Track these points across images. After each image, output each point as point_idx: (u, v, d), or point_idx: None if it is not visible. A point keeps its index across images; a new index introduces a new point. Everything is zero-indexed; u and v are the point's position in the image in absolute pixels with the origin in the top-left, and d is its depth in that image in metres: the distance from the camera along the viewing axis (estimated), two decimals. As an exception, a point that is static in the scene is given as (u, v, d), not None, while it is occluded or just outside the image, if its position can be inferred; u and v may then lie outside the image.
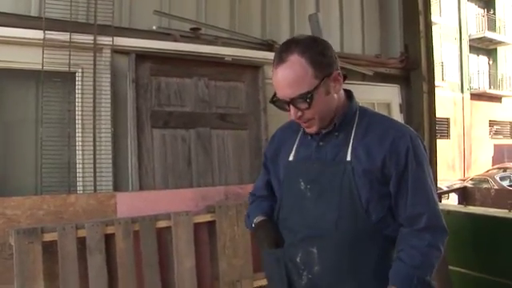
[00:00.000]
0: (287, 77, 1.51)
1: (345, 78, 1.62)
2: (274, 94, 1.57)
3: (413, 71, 5.17)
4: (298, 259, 1.61)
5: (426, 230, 1.55)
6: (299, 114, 1.55)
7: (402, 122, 5.08)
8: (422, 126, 5.05)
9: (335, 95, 1.59)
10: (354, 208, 1.56)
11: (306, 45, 1.53)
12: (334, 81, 1.56)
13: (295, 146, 1.70)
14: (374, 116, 1.68)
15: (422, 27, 5.12)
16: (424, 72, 5.12)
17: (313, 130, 1.61)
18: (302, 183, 1.64)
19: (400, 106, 5.12)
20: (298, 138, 1.70)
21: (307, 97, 1.51)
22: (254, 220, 1.77)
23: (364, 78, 4.97)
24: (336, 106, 1.60)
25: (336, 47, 4.86)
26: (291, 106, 1.54)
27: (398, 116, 5.09)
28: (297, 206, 1.66)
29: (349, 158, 1.57)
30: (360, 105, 1.69)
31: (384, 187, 1.57)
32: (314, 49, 1.53)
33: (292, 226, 1.67)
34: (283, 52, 1.52)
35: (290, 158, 1.70)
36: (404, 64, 5.15)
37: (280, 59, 1.52)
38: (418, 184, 1.55)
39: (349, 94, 1.69)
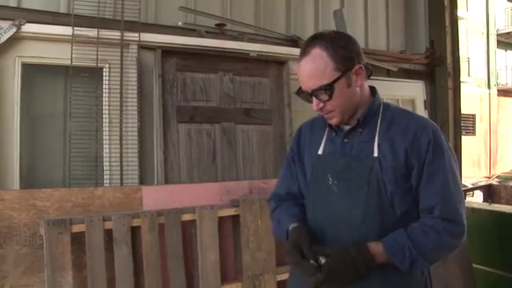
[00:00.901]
0: (308, 69, 1.58)
1: (370, 74, 1.65)
2: (300, 87, 1.62)
3: (438, 67, 5.12)
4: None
5: (441, 219, 1.56)
6: (321, 105, 1.60)
7: (427, 118, 5.06)
8: (447, 123, 5.01)
9: (357, 89, 1.61)
10: (381, 203, 1.58)
11: (329, 39, 1.58)
12: (355, 74, 1.59)
13: (323, 141, 1.72)
14: (397, 110, 1.70)
15: (447, 23, 5.07)
16: (449, 68, 5.07)
17: (334, 121, 1.64)
18: (330, 178, 1.66)
19: (425, 102, 5.07)
20: (326, 133, 1.72)
21: (327, 89, 1.55)
22: (290, 228, 1.70)
23: (388, 73, 4.95)
24: (358, 100, 1.63)
25: (360, 43, 4.79)
26: (313, 98, 1.59)
27: (422, 112, 5.04)
28: (324, 202, 1.67)
29: (376, 154, 1.60)
30: (384, 101, 1.71)
31: (407, 182, 1.59)
32: (337, 42, 1.57)
33: (319, 221, 1.68)
34: (307, 45, 1.59)
35: (319, 152, 1.72)
36: (429, 60, 5.11)
37: (303, 52, 1.59)
38: (435, 175, 1.57)
39: (373, 90, 1.71)
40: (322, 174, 1.69)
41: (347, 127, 1.67)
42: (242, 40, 3.87)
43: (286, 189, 1.85)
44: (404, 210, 1.60)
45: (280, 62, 3.92)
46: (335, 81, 1.55)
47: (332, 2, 4.72)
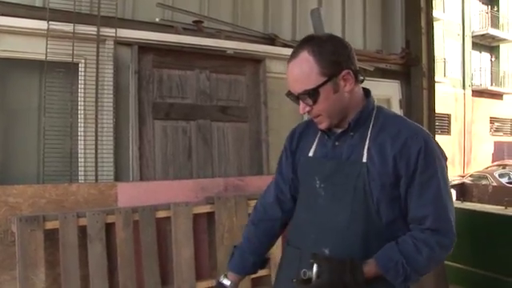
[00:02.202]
0: (295, 72, 1.56)
1: (363, 79, 1.64)
2: (289, 90, 1.61)
3: (413, 67, 5.19)
4: (311, 260, 1.53)
5: (431, 231, 1.53)
6: (307, 108, 1.59)
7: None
8: (422, 122, 5.07)
9: (346, 94, 1.58)
10: (367, 209, 1.57)
11: (318, 42, 1.56)
12: (343, 80, 1.56)
13: (315, 143, 1.72)
14: (389, 115, 1.68)
15: (423, 24, 5.14)
16: (424, 68, 5.14)
17: (322, 126, 1.63)
18: (318, 181, 1.65)
19: (400, 101, 5.15)
20: (318, 135, 1.72)
21: (312, 93, 1.54)
22: (221, 279, 1.82)
23: (365, 73, 4.96)
24: (348, 105, 1.61)
25: (337, 42, 4.90)
26: (300, 101, 1.58)
27: (397, 111, 5.11)
28: (311, 204, 1.68)
29: (364, 160, 1.58)
30: (378, 104, 1.69)
31: (395, 190, 1.57)
32: (326, 47, 1.55)
33: (305, 225, 1.69)
34: (297, 48, 1.58)
35: (310, 154, 1.72)
36: (405, 60, 5.17)
37: (293, 54, 1.58)
38: (426, 185, 1.54)
39: (367, 93, 1.69)
40: (310, 176, 1.69)
41: (339, 130, 1.65)
42: (219, 37, 3.87)
43: (277, 192, 1.85)
44: (390, 218, 1.58)
45: (257, 60, 3.94)
46: (320, 86, 1.53)
47: (310, 1, 4.73)
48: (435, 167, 1.55)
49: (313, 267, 1.48)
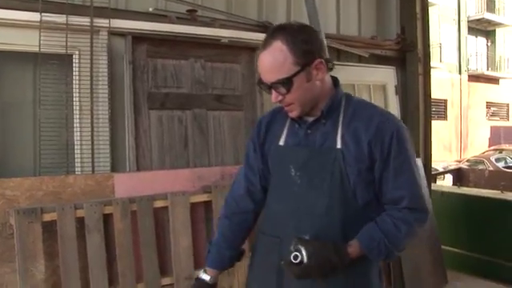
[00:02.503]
0: (268, 62, 1.58)
1: (332, 67, 1.68)
2: (260, 78, 1.63)
3: (409, 53, 5.17)
4: (291, 248, 1.58)
5: (408, 209, 1.62)
6: (279, 97, 1.62)
7: (398, 103, 5.14)
8: (418, 108, 5.09)
9: (317, 82, 1.62)
10: (344, 194, 1.63)
11: (291, 32, 1.58)
12: (316, 69, 1.60)
13: (285, 132, 1.74)
14: (359, 103, 1.73)
15: (418, 9, 5.11)
16: (420, 54, 5.12)
17: (294, 114, 1.66)
18: (293, 170, 1.68)
19: (395, 87, 5.14)
20: (287, 124, 1.74)
21: (286, 82, 1.57)
22: (200, 274, 1.85)
23: (360, 59, 4.98)
24: (319, 93, 1.65)
25: (332, 29, 4.90)
26: (272, 90, 1.60)
27: (393, 98, 5.13)
28: (287, 192, 1.70)
29: (339, 146, 1.63)
30: (346, 92, 1.75)
31: (370, 173, 1.63)
32: (298, 36, 1.58)
33: (283, 213, 1.71)
34: (269, 37, 1.59)
35: (281, 143, 1.74)
36: (400, 46, 5.15)
37: (265, 44, 1.59)
38: (401, 168, 1.62)
39: (335, 81, 1.73)
40: (284, 165, 1.71)
41: (310, 119, 1.68)
42: (213, 26, 3.85)
43: (247, 184, 1.86)
44: (366, 200, 1.65)
45: (251, 48, 3.92)
46: (294, 75, 1.57)
47: (304, -12, 4.72)
48: (407, 150, 1.64)
49: (301, 251, 1.53)
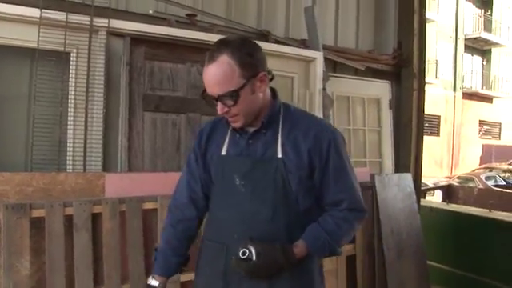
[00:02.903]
0: (216, 75, 1.64)
1: (271, 78, 1.76)
2: (204, 90, 1.70)
3: (404, 68, 5.23)
4: (240, 247, 1.66)
5: (348, 210, 1.77)
6: (225, 109, 1.69)
7: (391, 118, 5.18)
8: (411, 123, 5.13)
9: (260, 94, 1.71)
10: (288, 201, 1.74)
11: (236, 46, 1.65)
12: (260, 81, 1.68)
13: (226, 142, 1.81)
14: (297, 112, 1.84)
15: (416, 25, 5.17)
16: (415, 69, 5.18)
17: (237, 125, 1.74)
18: (237, 179, 1.76)
19: (390, 102, 5.19)
20: (228, 134, 1.82)
21: (233, 95, 1.64)
22: (149, 281, 1.89)
23: (356, 72, 5.03)
24: (261, 104, 1.73)
25: (330, 41, 4.94)
26: (218, 102, 1.67)
27: (387, 112, 5.17)
28: (232, 201, 1.77)
29: (280, 155, 1.73)
30: (283, 102, 1.84)
31: (310, 180, 1.75)
32: (243, 50, 1.66)
33: (228, 221, 1.78)
34: (214, 52, 1.65)
35: (223, 153, 1.81)
36: (396, 61, 5.20)
37: (211, 58, 1.65)
38: (339, 173, 1.76)
39: (274, 92, 1.82)
40: (227, 174, 1.79)
41: (251, 129, 1.77)
42: (211, 32, 3.87)
43: (190, 193, 1.92)
44: (307, 205, 1.77)
45: (249, 56, 3.94)
46: (241, 88, 1.64)
47: (304, -1, 4.76)
48: (344, 156, 1.78)
49: (251, 249, 1.62)
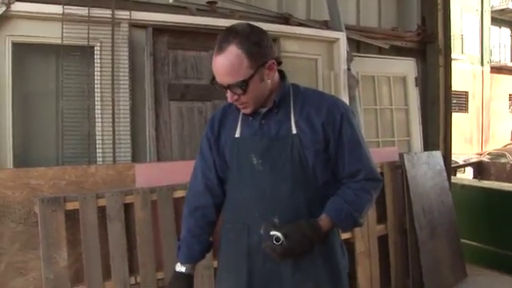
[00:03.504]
0: (225, 66, 1.65)
1: (279, 63, 1.77)
2: (213, 78, 1.71)
3: (429, 44, 5.14)
4: (261, 231, 1.70)
5: (365, 180, 1.80)
6: (235, 97, 1.71)
7: (418, 95, 5.10)
8: (438, 100, 5.06)
9: (269, 81, 1.73)
10: (305, 175, 1.76)
11: (243, 36, 1.66)
12: (268, 69, 1.70)
13: (239, 125, 1.83)
14: (307, 91, 1.87)
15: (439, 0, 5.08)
16: (441, 45, 5.10)
17: (247, 111, 1.77)
18: (254, 158, 1.78)
19: (415, 79, 5.11)
20: (240, 117, 1.83)
21: (242, 85, 1.66)
22: (176, 267, 1.91)
23: (380, 51, 4.96)
24: (270, 89, 1.76)
25: (352, 20, 4.88)
26: (228, 91, 1.70)
27: (413, 89, 5.10)
28: (251, 180, 1.80)
29: (294, 131, 1.76)
30: (292, 83, 1.85)
31: (326, 154, 1.77)
32: (251, 40, 1.66)
33: (248, 200, 1.80)
34: (222, 42, 1.66)
35: (237, 135, 1.83)
36: (421, 37, 5.12)
37: (219, 48, 1.66)
38: (353, 144, 1.79)
39: (282, 74, 1.83)
40: (244, 155, 1.81)
41: (263, 110, 1.79)
42: (233, 18, 3.86)
43: (205, 180, 1.93)
44: (325, 179, 1.80)
45: (272, 39, 3.92)
46: (250, 78, 1.65)
47: (324, -21, 4.70)
48: (356, 129, 1.81)
49: (277, 232, 1.63)
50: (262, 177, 1.77)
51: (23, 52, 3.21)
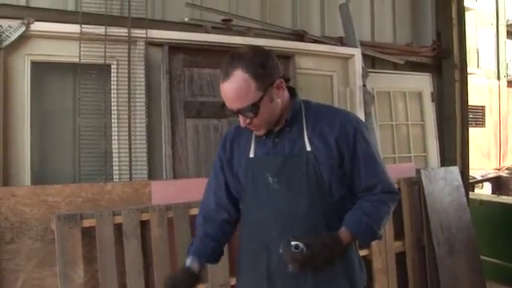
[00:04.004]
0: (233, 91, 1.66)
1: (287, 80, 1.78)
2: (223, 104, 1.72)
3: (445, 59, 5.13)
4: (280, 250, 1.66)
5: (382, 193, 1.80)
6: (247, 121, 1.71)
7: (434, 111, 5.07)
8: (454, 115, 5.02)
9: (279, 100, 1.73)
10: (322, 191, 1.76)
11: (248, 59, 1.67)
12: (277, 88, 1.71)
13: (252, 145, 1.83)
14: (318, 106, 1.88)
15: (454, 14, 5.08)
16: (456, 60, 5.08)
17: (261, 133, 1.78)
18: (270, 178, 1.78)
19: (431, 94, 5.09)
20: (253, 137, 1.84)
21: (253, 108, 1.66)
22: (187, 263, 1.88)
23: (395, 66, 4.96)
24: (281, 107, 1.76)
25: (367, 36, 4.89)
26: (240, 115, 1.69)
27: (429, 105, 5.07)
28: (267, 200, 1.79)
29: (309, 149, 1.76)
30: (302, 99, 1.87)
31: (341, 169, 1.77)
32: (256, 62, 1.66)
33: (266, 220, 1.79)
34: (228, 67, 1.67)
35: (251, 155, 1.83)
36: (436, 52, 5.11)
37: (225, 74, 1.67)
38: (369, 158, 1.79)
39: (291, 91, 1.84)
40: (259, 174, 1.81)
41: (276, 128, 1.79)
42: (248, 35, 3.90)
43: (216, 200, 1.95)
44: (341, 194, 1.80)
45: (286, 57, 3.95)
46: (259, 100, 1.66)
47: (338, -4, 4.73)
48: (370, 142, 1.82)
49: (298, 244, 1.61)
50: (279, 195, 1.77)
51: (42, 70, 3.27)
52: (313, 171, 1.74)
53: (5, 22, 3.05)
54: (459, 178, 4.54)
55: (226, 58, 1.72)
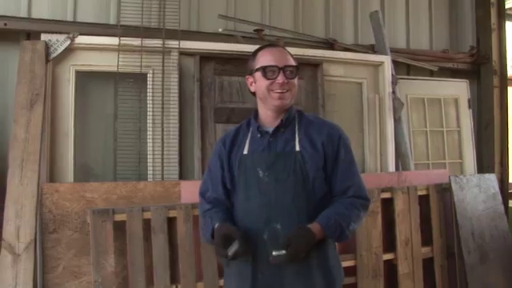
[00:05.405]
0: (283, 51, 2.08)
1: None
2: (264, 66, 2.00)
3: (483, 65, 5.06)
4: (264, 236, 1.96)
5: (354, 197, 2.03)
6: (286, 81, 1.99)
7: (471, 117, 5.00)
8: (493, 121, 4.95)
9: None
10: (306, 187, 2.00)
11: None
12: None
13: (247, 142, 2.06)
14: (310, 116, 2.17)
15: (494, 19, 5.01)
16: (495, 66, 5.00)
17: (286, 101, 2.03)
18: (260, 171, 2.00)
19: (468, 101, 5.01)
20: (249, 137, 2.08)
21: (294, 69, 2.02)
22: (216, 225, 2.01)
23: (432, 73, 4.96)
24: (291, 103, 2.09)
25: (402, 43, 4.94)
26: (280, 73, 1.99)
27: (466, 111, 5.00)
28: (257, 191, 2.00)
29: (298, 149, 2.02)
30: (297, 109, 2.16)
31: (324, 170, 2.02)
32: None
33: (254, 209, 2.00)
34: (270, 45, 2.13)
35: (245, 152, 2.05)
36: (474, 58, 5.05)
37: (271, 45, 2.16)
38: (347, 164, 2.05)
39: None
40: (251, 169, 2.03)
41: (271, 129, 2.07)
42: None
43: (215, 194, 2.15)
44: (323, 192, 2.03)
45: (315, 64, 4.07)
46: (297, 67, 2.04)
47: (372, 4, 4.80)
48: (350, 152, 2.09)
49: (278, 252, 1.84)
50: (268, 187, 1.99)
51: (84, 79, 3.57)
52: (299, 169, 1.98)
53: (53, 37, 3.39)
54: (496, 185, 4.46)
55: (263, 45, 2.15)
